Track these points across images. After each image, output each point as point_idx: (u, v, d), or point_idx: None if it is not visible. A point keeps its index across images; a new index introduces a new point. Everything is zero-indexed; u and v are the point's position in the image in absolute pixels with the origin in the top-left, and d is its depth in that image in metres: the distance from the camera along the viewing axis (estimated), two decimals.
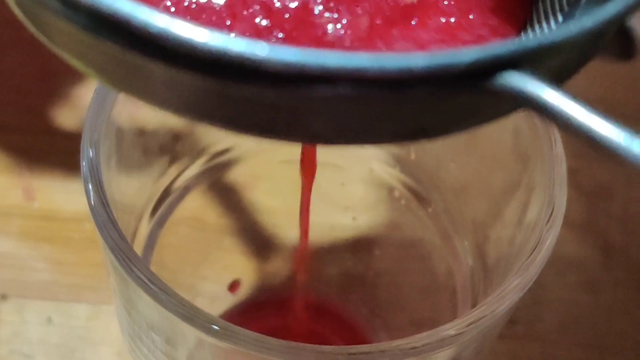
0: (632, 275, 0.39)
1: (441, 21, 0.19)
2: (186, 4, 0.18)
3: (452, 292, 0.32)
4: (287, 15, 0.18)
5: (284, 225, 0.36)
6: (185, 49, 0.14)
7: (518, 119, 0.27)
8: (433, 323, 0.23)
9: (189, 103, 0.16)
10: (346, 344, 0.28)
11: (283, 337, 0.22)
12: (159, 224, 0.32)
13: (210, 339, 0.23)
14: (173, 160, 0.31)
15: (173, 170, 0.32)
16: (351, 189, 0.34)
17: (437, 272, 0.33)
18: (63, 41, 0.16)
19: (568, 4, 0.20)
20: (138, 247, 0.30)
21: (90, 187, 0.25)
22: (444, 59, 0.14)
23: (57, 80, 0.42)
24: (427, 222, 0.33)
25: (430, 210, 0.33)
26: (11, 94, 0.42)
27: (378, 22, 0.18)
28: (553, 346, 0.37)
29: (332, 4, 0.18)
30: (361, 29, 0.18)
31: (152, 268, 0.25)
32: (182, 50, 0.14)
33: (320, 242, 0.35)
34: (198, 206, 0.33)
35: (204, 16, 0.18)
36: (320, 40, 0.18)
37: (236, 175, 0.34)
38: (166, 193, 0.32)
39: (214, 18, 0.18)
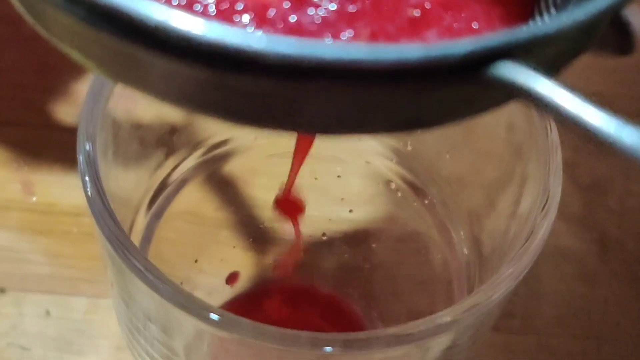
0: (628, 268, 0.39)
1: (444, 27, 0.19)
2: None
3: (449, 283, 0.32)
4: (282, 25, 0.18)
5: (281, 218, 0.36)
6: (183, 41, 0.14)
7: (513, 111, 0.27)
8: (430, 314, 0.23)
9: (187, 94, 0.16)
10: None
11: None
12: (156, 217, 0.32)
13: (206, 327, 0.23)
14: (170, 152, 0.31)
15: (170, 163, 0.32)
16: (348, 181, 0.35)
17: (434, 263, 0.33)
18: (60, 32, 0.16)
19: None
20: (135, 240, 0.30)
21: (87, 178, 0.25)
22: (438, 51, 0.15)
23: (56, 75, 0.43)
24: (424, 213, 0.33)
25: (426, 202, 0.33)
26: (10, 89, 0.43)
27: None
28: (549, 338, 0.37)
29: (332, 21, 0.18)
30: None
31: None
32: (180, 42, 0.15)
33: (317, 235, 0.36)
34: (195, 199, 0.33)
35: (199, 7, 0.18)
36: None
37: (233, 168, 0.34)
38: (163, 186, 0.32)
39: (211, 8, 0.18)
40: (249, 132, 0.33)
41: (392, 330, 0.23)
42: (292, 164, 0.28)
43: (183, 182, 0.32)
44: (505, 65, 0.15)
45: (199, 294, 0.34)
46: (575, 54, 0.17)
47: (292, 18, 0.18)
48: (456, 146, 0.31)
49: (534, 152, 0.26)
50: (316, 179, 0.34)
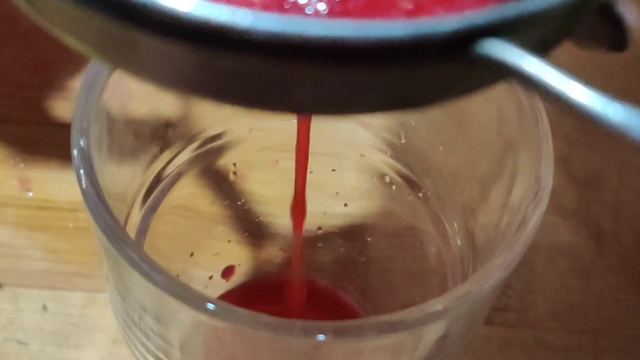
0: (623, 262, 0.39)
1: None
2: None
3: (443, 276, 0.32)
4: None
5: (276, 212, 0.36)
6: (170, 19, 0.15)
7: (504, 101, 0.27)
8: None
9: (180, 76, 0.16)
10: None
11: None
12: (151, 211, 0.32)
13: (202, 317, 0.23)
14: (165, 146, 0.31)
15: (165, 156, 0.32)
16: (342, 175, 0.35)
17: (428, 256, 0.33)
18: (50, 14, 0.17)
19: None
20: (130, 234, 0.30)
21: (81, 172, 0.25)
22: (424, 28, 0.15)
23: (52, 72, 0.43)
24: (418, 207, 0.33)
25: (420, 195, 0.33)
26: (6, 86, 0.43)
27: None
28: (545, 332, 0.37)
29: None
30: None
31: None
32: (167, 20, 0.15)
33: (313, 229, 0.36)
34: (190, 193, 0.33)
35: None
36: None
37: (228, 162, 0.34)
38: (158, 179, 0.32)
39: None
40: (244, 125, 0.33)
41: (385, 317, 0.23)
42: (296, 171, 0.28)
43: (178, 176, 0.32)
44: (492, 43, 0.15)
45: (194, 287, 0.34)
46: (563, 35, 0.17)
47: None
48: (450, 138, 0.31)
49: (525, 142, 0.26)
50: (311, 172, 0.34)
